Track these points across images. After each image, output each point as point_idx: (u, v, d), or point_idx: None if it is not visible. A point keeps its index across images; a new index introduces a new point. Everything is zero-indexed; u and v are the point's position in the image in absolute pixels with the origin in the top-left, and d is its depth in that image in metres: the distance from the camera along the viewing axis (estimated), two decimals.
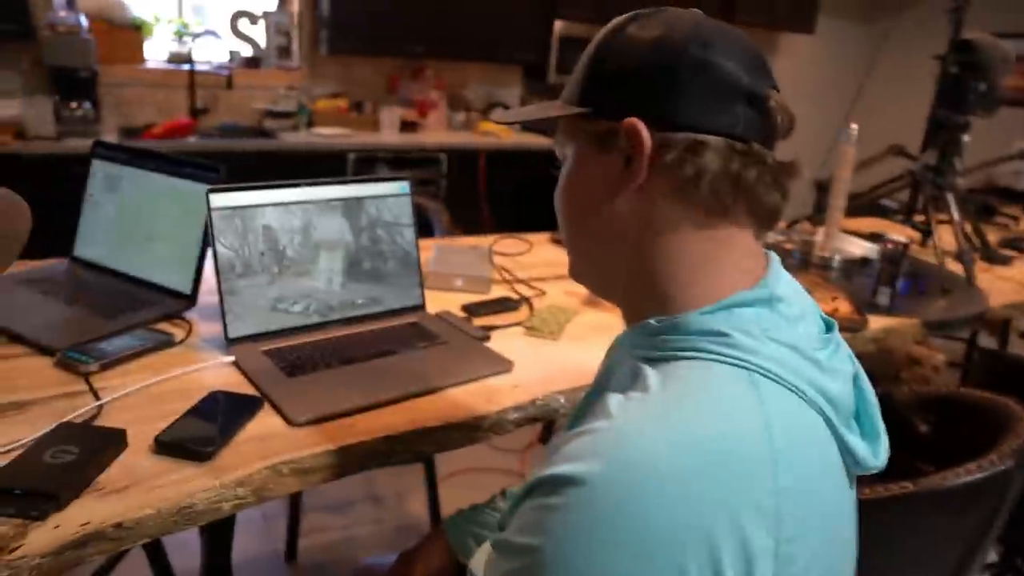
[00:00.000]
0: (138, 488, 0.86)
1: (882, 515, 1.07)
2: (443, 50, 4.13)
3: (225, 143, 3.56)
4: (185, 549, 1.54)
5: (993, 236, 2.42)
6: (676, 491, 0.51)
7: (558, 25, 4.36)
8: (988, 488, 1.10)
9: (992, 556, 1.89)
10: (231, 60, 3.94)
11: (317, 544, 2.22)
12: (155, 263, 1.40)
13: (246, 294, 1.22)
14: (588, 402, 0.78)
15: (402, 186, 1.39)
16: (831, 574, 0.60)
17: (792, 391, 0.59)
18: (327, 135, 3.81)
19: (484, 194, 4.13)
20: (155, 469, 0.90)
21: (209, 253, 1.23)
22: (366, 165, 3.81)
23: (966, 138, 2.05)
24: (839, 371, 0.64)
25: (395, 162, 3.88)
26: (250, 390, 1.10)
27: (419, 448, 1.05)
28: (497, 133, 4.26)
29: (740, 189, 0.64)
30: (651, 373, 0.60)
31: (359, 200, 1.33)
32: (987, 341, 3.50)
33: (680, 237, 0.65)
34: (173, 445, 0.93)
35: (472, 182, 4.10)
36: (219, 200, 1.21)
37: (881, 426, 0.68)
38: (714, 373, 0.59)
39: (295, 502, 2.14)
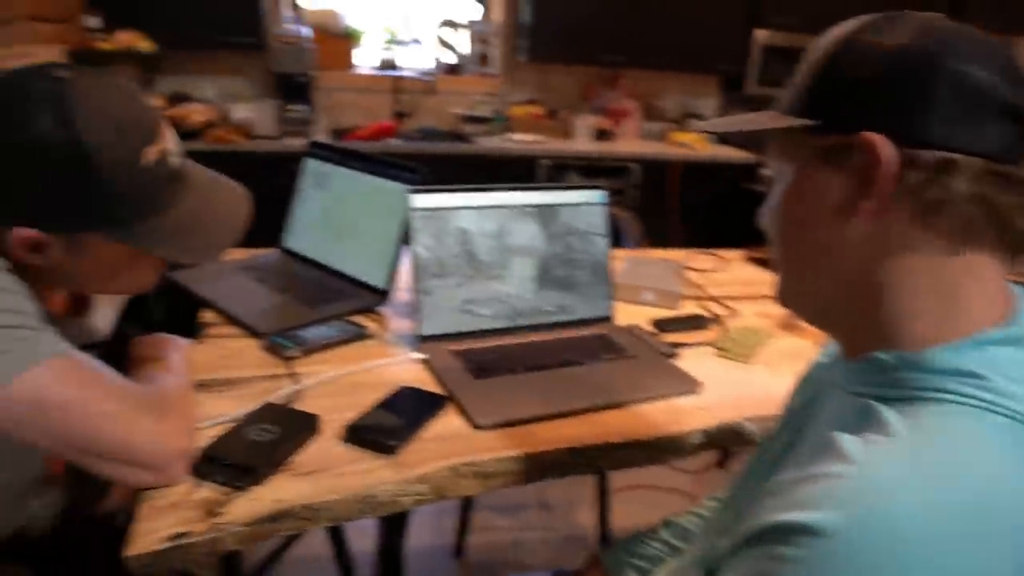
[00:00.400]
0: (327, 473, 0.90)
1: None
2: (639, 59, 4.08)
3: (423, 146, 3.71)
4: (362, 531, 1.60)
5: None
6: (928, 558, 0.45)
7: (760, 34, 4.18)
8: None
9: None
10: (434, 67, 4.12)
11: (484, 543, 2.25)
12: (355, 258, 1.47)
13: (439, 294, 1.25)
14: (791, 440, 0.70)
15: (598, 195, 1.36)
16: None
17: None
18: (521, 141, 3.87)
19: (676, 206, 4.04)
20: (344, 456, 0.93)
21: (406, 251, 1.26)
22: (558, 172, 3.84)
23: None
24: None
25: (587, 170, 3.88)
26: (437, 388, 1.12)
27: (600, 463, 1.01)
28: (691, 144, 4.15)
29: (993, 215, 0.55)
30: (891, 415, 0.54)
31: (553, 207, 1.32)
32: None
33: (918, 265, 0.57)
34: (362, 435, 0.96)
35: (664, 193, 4.02)
36: (419, 201, 1.24)
37: None
38: (972, 421, 0.51)
39: (468, 500, 2.17)
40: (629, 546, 1.02)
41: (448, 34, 4.20)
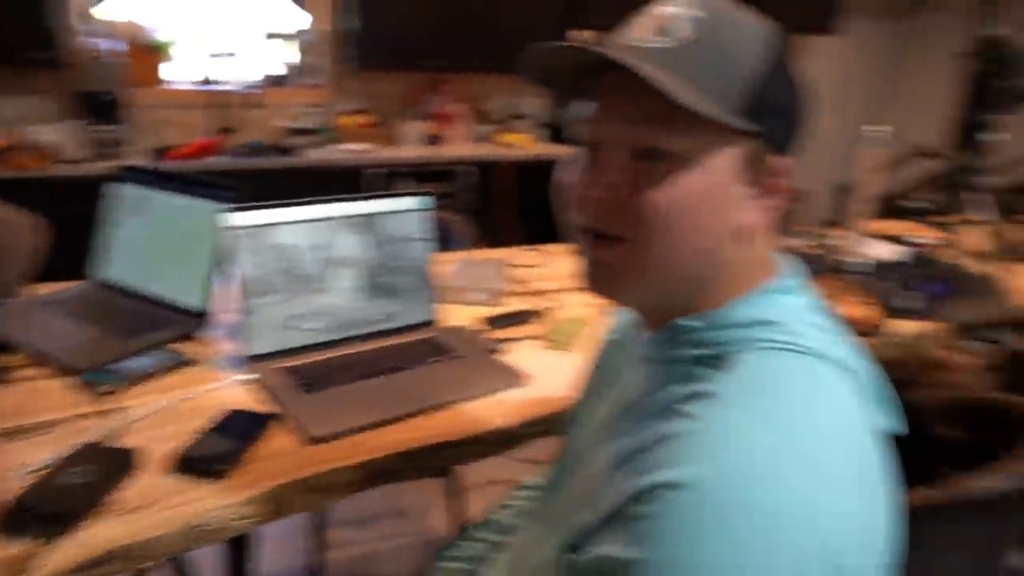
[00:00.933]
0: (154, 507, 0.87)
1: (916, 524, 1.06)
2: (462, 63, 4.15)
3: (250, 162, 3.60)
4: (205, 560, 1.56)
5: (1021, 235, 2.37)
6: (781, 484, 0.53)
7: (575, 35, 4.36)
8: (1012, 497, 1.07)
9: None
10: (260, 79, 4.00)
11: (342, 559, 2.23)
12: (173, 283, 1.42)
13: (264, 312, 1.23)
14: (615, 415, 0.73)
15: (422, 201, 1.39)
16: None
17: (840, 368, 0.62)
18: (350, 151, 3.84)
19: (508, 206, 4.14)
20: (169, 489, 0.91)
21: (226, 272, 1.24)
22: (390, 180, 3.84)
23: (993, 136, 2.01)
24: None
25: (418, 176, 3.90)
26: (268, 408, 1.11)
27: (432, 463, 1.04)
28: (519, 144, 4.27)
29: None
30: (710, 371, 0.61)
31: (377, 216, 1.34)
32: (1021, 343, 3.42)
33: (743, 254, 0.66)
34: (190, 464, 0.94)
35: (496, 194, 4.11)
36: (236, 219, 1.22)
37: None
38: (778, 362, 0.60)
39: (320, 517, 2.14)
40: (450, 552, 1.05)
41: (273, 45, 4.09)
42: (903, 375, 2.02)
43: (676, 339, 0.66)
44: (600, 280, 0.67)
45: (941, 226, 2.46)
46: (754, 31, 0.64)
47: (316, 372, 1.20)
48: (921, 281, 1.66)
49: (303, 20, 4.02)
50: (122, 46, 3.53)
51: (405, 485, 2.55)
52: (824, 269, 1.97)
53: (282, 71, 4.11)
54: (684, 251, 0.63)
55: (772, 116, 0.63)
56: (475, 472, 2.49)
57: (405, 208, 1.38)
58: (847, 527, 0.54)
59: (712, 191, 0.62)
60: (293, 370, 1.20)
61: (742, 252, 0.66)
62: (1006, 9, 2.22)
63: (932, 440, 1.44)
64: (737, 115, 0.61)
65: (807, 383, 0.59)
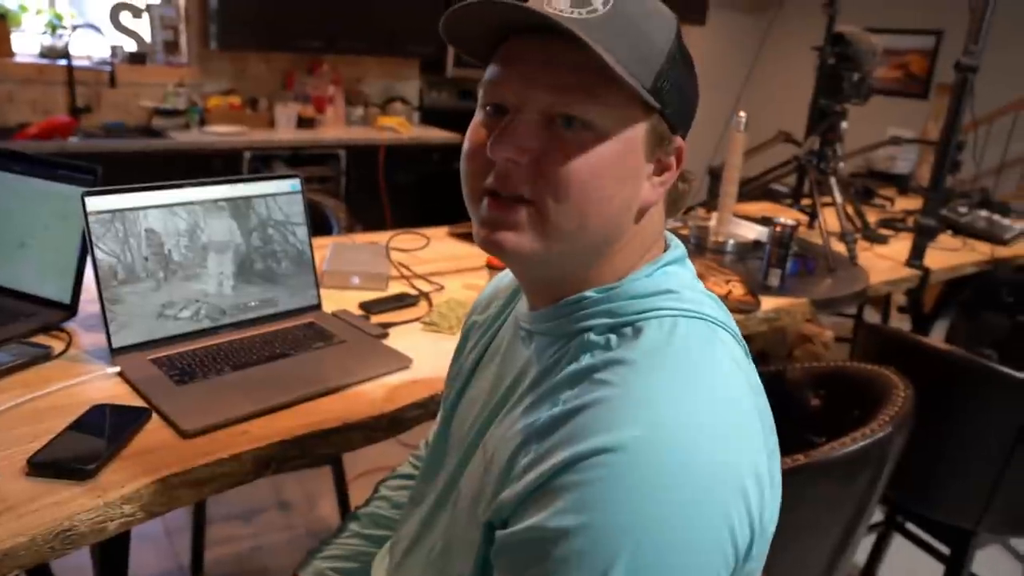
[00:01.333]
0: (8, 515, 0.81)
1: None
2: (339, 44, 4.05)
3: (111, 143, 3.38)
4: (78, 572, 1.47)
5: (872, 217, 2.56)
6: (710, 444, 0.56)
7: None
8: (871, 454, 1.17)
9: (878, 516, 2.00)
10: (113, 55, 3.75)
11: (225, 556, 2.15)
12: (29, 272, 1.32)
13: (130, 301, 1.17)
14: (508, 392, 0.73)
15: (292, 184, 1.35)
16: None
17: (731, 334, 0.67)
18: (221, 133, 3.68)
19: (384, 190, 4.08)
20: (29, 493, 0.85)
21: (90, 260, 1.16)
22: (263, 163, 3.70)
23: (844, 125, 2.16)
24: None
25: (292, 159, 3.79)
26: (138, 402, 1.05)
27: (317, 451, 1.02)
28: (396, 128, 4.22)
29: (683, 201, 0.74)
30: (623, 339, 0.63)
31: (248, 199, 1.29)
32: (872, 316, 3.71)
33: (634, 231, 0.69)
34: (49, 465, 0.88)
35: (372, 178, 4.04)
36: (96, 204, 1.15)
37: None
38: (688, 328, 0.63)
39: (199, 514, 2.06)
40: (320, 553, 1.02)
41: (127, 19, 3.84)
42: (774, 349, 2.15)
43: (583, 311, 0.68)
44: (500, 241, 0.65)
45: (802, 208, 2.62)
46: (659, 11, 0.66)
47: (190, 362, 1.14)
48: (783, 260, 1.76)
49: None
50: None
51: (289, 477, 2.49)
52: (693, 249, 2.06)
53: (136, 48, 3.87)
54: (589, 219, 0.64)
55: (675, 96, 0.65)
56: (363, 460, 2.46)
57: (276, 191, 1.34)
58: (761, 483, 0.58)
59: (622, 163, 0.64)
60: (164, 361, 1.14)
61: (638, 227, 0.69)
62: (850, 7, 2.38)
63: (801, 408, 1.55)
64: (651, 89, 0.63)
65: (712, 347, 0.63)
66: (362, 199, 3.88)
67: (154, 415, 1.02)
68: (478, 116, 0.68)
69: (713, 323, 0.65)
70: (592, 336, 0.65)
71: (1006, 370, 1.50)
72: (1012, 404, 1.50)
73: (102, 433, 0.95)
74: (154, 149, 3.44)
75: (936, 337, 2.48)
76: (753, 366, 0.69)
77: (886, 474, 1.24)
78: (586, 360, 0.63)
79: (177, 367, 1.12)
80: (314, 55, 4.15)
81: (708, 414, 0.58)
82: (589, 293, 0.68)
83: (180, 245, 1.21)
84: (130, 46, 3.86)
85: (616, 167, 0.64)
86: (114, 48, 3.76)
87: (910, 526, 1.96)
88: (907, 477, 1.60)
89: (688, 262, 0.73)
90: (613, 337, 0.64)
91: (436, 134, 4.36)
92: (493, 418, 0.74)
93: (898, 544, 2.12)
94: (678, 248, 0.73)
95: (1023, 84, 4.46)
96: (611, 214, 0.65)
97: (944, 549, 1.74)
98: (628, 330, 0.64)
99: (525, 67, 0.63)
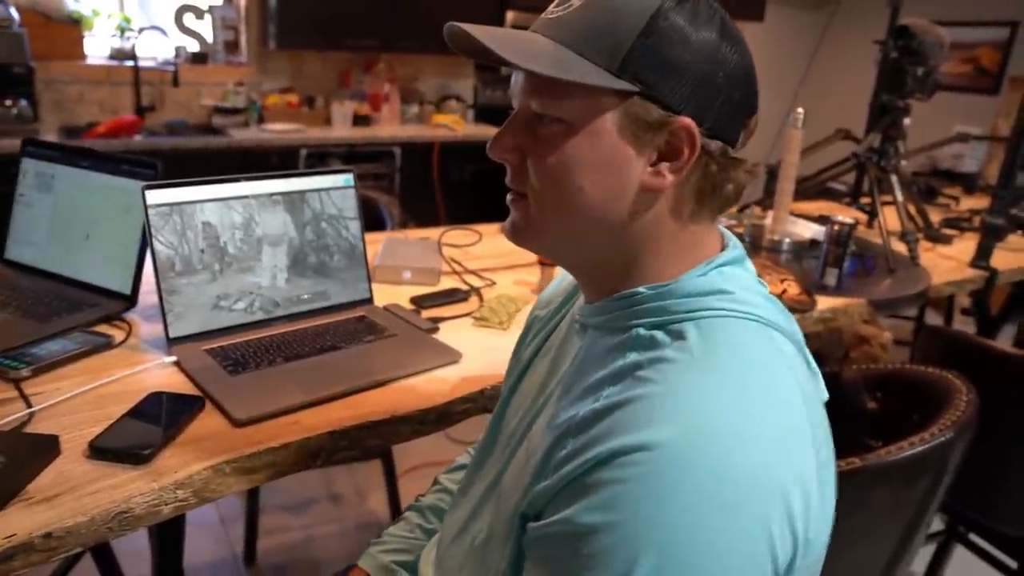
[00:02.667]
0: (70, 495, 0.84)
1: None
2: (395, 43, 4.09)
3: (173, 141, 3.48)
4: (137, 556, 1.51)
5: (935, 216, 2.47)
6: (750, 448, 0.54)
7: (510, 16, 4.35)
8: (930, 459, 1.13)
9: (938, 524, 1.93)
10: (177, 56, 3.86)
11: (277, 545, 2.19)
12: (93, 264, 1.36)
13: (187, 292, 1.20)
14: (556, 384, 0.74)
15: (346, 178, 1.37)
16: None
17: (787, 337, 0.65)
18: (278, 131, 3.75)
19: (439, 186, 4.11)
20: (90, 475, 0.88)
21: (150, 251, 1.20)
22: (318, 160, 3.76)
23: (907, 121, 2.09)
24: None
25: (348, 156, 3.84)
26: (192, 390, 1.08)
27: (365, 442, 1.03)
28: (450, 125, 4.24)
29: (736, 194, 0.68)
30: (665, 337, 0.62)
31: (302, 194, 1.31)
32: (934, 318, 3.59)
33: (678, 225, 0.67)
34: (109, 449, 0.91)
35: (426, 175, 4.07)
36: (155, 197, 1.18)
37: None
38: (739, 329, 0.62)
39: (253, 503, 2.11)
40: (382, 545, 1.02)
41: (190, 20, 3.94)
42: (830, 350, 2.10)
43: (633, 307, 0.67)
44: (511, 232, 0.72)
45: (861, 207, 2.55)
46: None
47: (243, 353, 1.17)
48: (840, 259, 1.71)
49: None
50: (24, 15, 3.34)
51: (340, 470, 2.52)
52: (748, 248, 2.02)
53: (198, 48, 3.96)
54: (568, 209, 0.66)
55: (661, 71, 0.61)
56: (413, 454, 2.49)
57: (330, 186, 1.35)
58: (808, 493, 0.56)
59: (594, 151, 0.63)
60: (219, 351, 1.17)
61: (670, 222, 0.66)
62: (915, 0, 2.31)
63: (857, 411, 1.51)
64: (621, 73, 0.61)
65: (763, 349, 0.61)
66: (416, 196, 3.91)
67: (208, 404, 1.04)
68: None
69: (767, 325, 0.63)
70: (641, 332, 0.64)
71: None
72: None
73: (158, 420, 0.97)
74: (214, 146, 3.52)
75: (1003, 341, 2.39)
76: (814, 373, 0.67)
77: (946, 481, 1.20)
78: (632, 357, 0.62)
79: (231, 357, 1.15)
80: (370, 54, 4.20)
81: (751, 417, 0.55)
82: (642, 289, 0.67)
83: (235, 238, 1.24)
84: (193, 47, 3.96)
85: (587, 156, 0.64)
86: (178, 49, 3.87)
87: (973, 537, 1.89)
88: (970, 486, 1.54)
89: (748, 263, 0.71)
90: (661, 335, 0.63)
91: (490, 132, 4.33)
92: (541, 410, 0.74)
93: (960, 556, 2.05)
94: (737, 248, 0.71)
95: None
96: (593, 203, 0.65)
97: (1011, 562, 1.67)
98: (676, 328, 0.62)
99: (515, 72, 0.67)
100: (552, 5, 0.67)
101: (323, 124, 4.02)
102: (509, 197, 0.70)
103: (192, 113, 3.89)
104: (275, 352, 1.17)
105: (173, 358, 1.15)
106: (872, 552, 1.20)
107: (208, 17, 3.97)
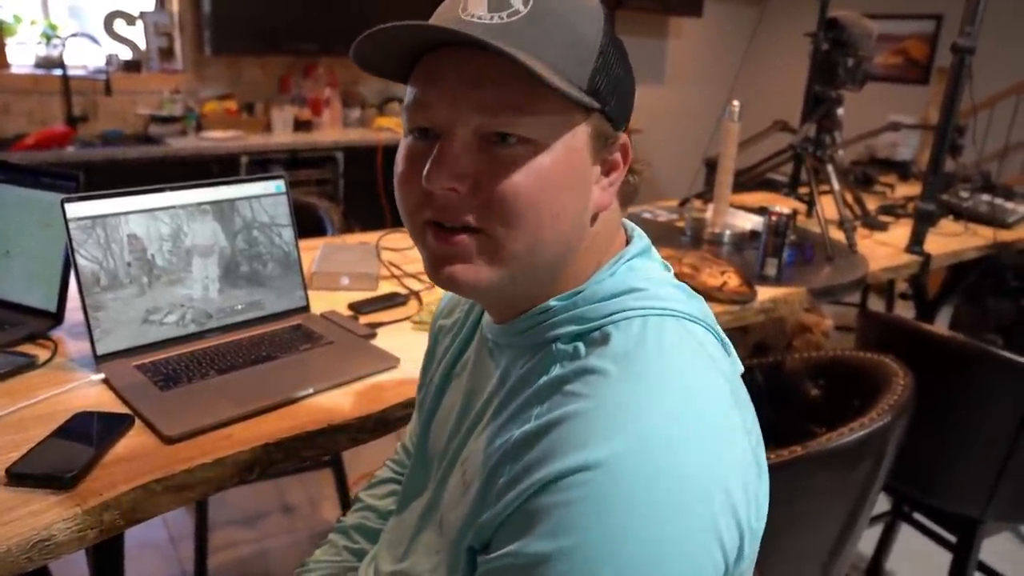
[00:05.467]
0: None
1: (775, 479, 1.11)
2: (334, 46, 4.03)
3: (108, 151, 3.38)
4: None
5: (872, 204, 2.53)
6: (690, 452, 0.53)
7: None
8: (870, 443, 1.15)
9: (884, 505, 1.98)
10: (109, 64, 3.75)
11: (229, 561, 2.15)
12: (15, 281, 1.31)
13: (114, 307, 1.16)
14: (483, 405, 0.71)
15: (277, 185, 1.34)
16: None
17: (704, 327, 0.64)
18: (217, 138, 3.67)
19: (383, 191, 4.07)
20: (7, 503, 0.84)
21: (75, 266, 1.15)
22: (260, 167, 3.70)
23: (840, 111, 2.13)
24: None
25: (290, 163, 3.78)
26: (122, 408, 1.04)
27: (302, 453, 1.01)
28: (393, 128, 4.20)
29: (636, 188, 0.70)
30: (592, 347, 0.61)
31: (231, 202, 1.28)
32: (877, 303, 3.67)
33: (592, 229, 0.66)
34: (27, 475, 0.87)
35: (370, 179, 4.03)
36: (76, 210, 1.14)
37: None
38: (658, 328, 0.60)
39: (202, 519, 2.05)
40: (308, 570, 0.97)
41: (121, 27, 3.83)
42: (774, 340, 2.12)
43: (548, 321, 0.64)
44: (453, 276, 0.62)
45: (799, 197, 2.60)
46: (586, 2, 0.61)
47: (175, 367, 1.13)
48: (779, 249, 1.74)
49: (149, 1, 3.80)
50: None
51: (292, 479, 2.48)
52: (690, 241, 2.04)
53: (131, 56, 3.86)
54: (545, 238, 0.60)
55: (612, 91, 0.62)
56: (364, 460, 2.45)
57: (261, 193, 1.32)
58: (747, 483, 0.56)
59: (568, 172, 0.60)
60: (149, 367, 1.13)
61: (593, 230, 0.65)
62: None
63: (800, 399, 1.53)
64: (584, 92, 0.59)
65: (685, 347, 0.60)
66: (361, 201, 3.87)
67: (137, 421, 1.01)
68: (404, 143, 0.63)
69: (685, 318, 0.62)
70: (560, 345, 0.62)
71: (1008, 355, 1.48)
72: (1016, 390, 1.48)
73: (84, 441, 0.94)
74: (151, 156, 3.44)
75: (940, 324, 2.45)
76: (731, 356, 0.66)
77: (886, 464, 1.22)
78: (555, 371, 0.60)
79: (162, 372, 1.11)
80: (309, 58, 4.14)
81: (685, 421, 0.55)
82: (552, 303, 0.64)
83: (163, 250, 1.20)
84: (125, 54, 3.85)
85: (562, 177, 0.60)
86: (109, 56, 3.76)
87: (918, 516, 1.94)
88: (912, 466, 1.57)
89: (654, 252, 0.70)
90: (581, 345, 0.61)
91: None
92: (469, 435, 0.72)
93: (906, 534, 2.09)
94: (642, 239, 0.69)
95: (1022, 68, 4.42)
96: (566, 228, 0.61)
97: (952, 538, 1.71)
98: (596, 335, 0.61)
99: (450, 85, 0.58)
100: (475, 5, 0.59)
101: (264, 130, 3.95)
102: (439, 234, 0.61)
103: (127, 123, 3.79)
104: (208, 365, 1.14)
105: (101, 376, 1.11)
106: (818, 537, 1.21)
107: (140, 23, 3.86)
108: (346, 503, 2.12)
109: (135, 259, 1.17)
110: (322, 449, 1.03)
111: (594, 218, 0.65)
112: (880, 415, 1.16)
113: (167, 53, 3.93)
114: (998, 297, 2.43)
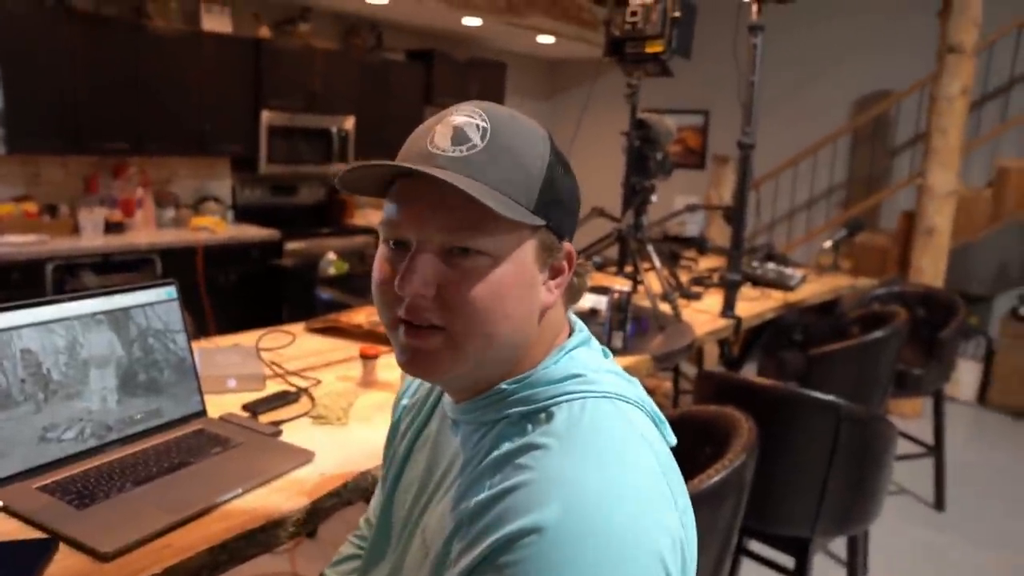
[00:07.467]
0: None
1: None
2: (145, 145, 3.93)
3: None
4: None
5: (684, 277, 2.86)
6: (623, 514, 0.62)
7: (265, 115, 4.36)
8: (732, 482, 1.33)
9: None
10: None
11: None
12: None
13: (7, 428, 1.10)
14: (440, 480, 0.80)
15: (168, 291, 1.35)
16: None
17: (637, 407, 0.74)
18: (17, 243, 3.41)
19: (205, 292, 3.95)
20: None
21: None
22: (68, 273, 3.47)
23: (654, 198, 2.44)
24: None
25: (102, 267, 3.59)
26: (35, 534, 1.00)
27: (246, 552, 1.02)
28: (211, 228, 4.12)
29: (581, 288, 0.83)
30: (538, 425, 0.71)
31: (125, 311, 1.27)
32: (688, 367, 4.06)
33: (541, 324, 0.77)
34: None
35: (191, 281, 3.90)
36: None
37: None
38: (595, 408, 0.71)
39: None
40: None
41: None
42: None
43: (500, 402, 0.75)
44: (419, 364, 0.74)
45: (626, 275, 2.88)
46: (532, 133, 0.75)
47: (85, 484, 1.09)
48: (623, 323, 1.95)
49: None
50: None
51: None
52: None
53: None
54: (498, 335, 0.72)
55: (557, 208, 0.75)
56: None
57: (154, 300, 1.32)
58: (675, 541, 0.66)
59: (518, 280, 0.72)
60: (55, 486, 1.09)
61: (541, 326, 0.77)
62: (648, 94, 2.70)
63: None
64: (532, 211, 0.72)
65: (618, 422, 0.71)
66: (183, 303, 3.72)
67: (62, 544, 0.97)
68: (382, 250, 0.76)
69: (617, 399, 0.73)
70: (510, 423, 0.73)
71: (818, 395, 1.77)
72: (824, 422, 1.77)
73: (11, 574, 0.90)
74: None
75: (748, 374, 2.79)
76: (662, 433, 0.77)
77: (745, 498, 1.41)
78: (506, 446, 0.70)
79: (72, 491, 1.08)
80: (119, 157, 3.99)
81: (615, 485, 0.64)
82: (504, 386, 0.75)
83: (60, 363, 1.17)
84: None
85: (513, 285, 0.72)
86: None
87: (754, 545, 2.18)
88: (751, 500, 1.80)
89: (593, 341, 0.82)
90: (528, 424, 0.72)
91: (253, 232, 4.31)
92: (428, 504, 0.80)
93: (746, 568, 2.33)
94: (582, 331, 0.82)
95: (779, 153, 5.19)
96: (516, 327, 0.73)
97: (788, 562, 1.95)
98: (542, 415, 0.72)
99: (419, 207, 0.71)
100: (440, 140, 0.71)
101: (70, 233, 3.73)
102: (410, 330, 0.73)
103: None
104: (121, 478, 1.11)
105: (0, 504, 1.06)
106: None
107: None
108: None
109: (29, 375, 1.13)
110: (264, 546, 1.04)
111: (542, 315, 0.77)
112: (736, 456, 1.36)
113: None
114: (790, 350, 2.83)
